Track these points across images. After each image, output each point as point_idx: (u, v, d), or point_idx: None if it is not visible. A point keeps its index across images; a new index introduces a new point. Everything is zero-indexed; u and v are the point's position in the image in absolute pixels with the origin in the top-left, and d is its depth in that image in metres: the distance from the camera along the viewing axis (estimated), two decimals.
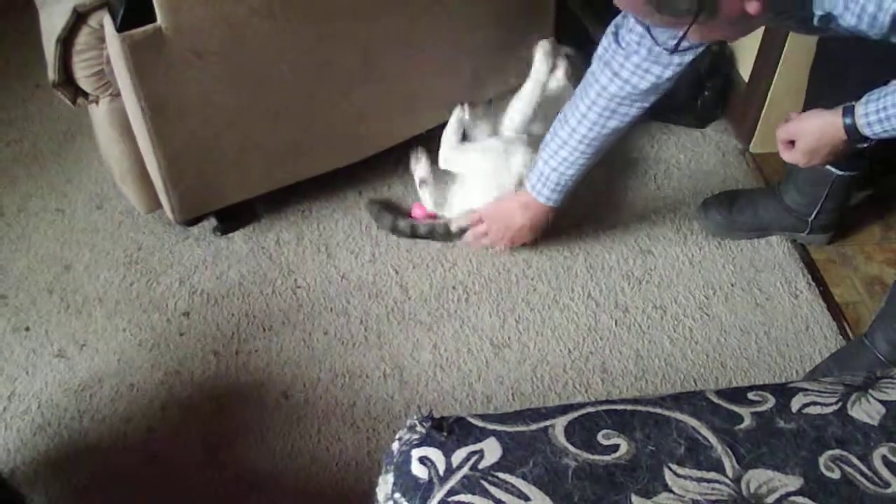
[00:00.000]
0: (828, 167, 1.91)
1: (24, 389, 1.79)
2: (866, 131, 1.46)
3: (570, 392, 1.81)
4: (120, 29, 1.62)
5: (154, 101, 1.73)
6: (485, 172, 2.02)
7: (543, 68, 2.05)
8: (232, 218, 2.08)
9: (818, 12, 1.29)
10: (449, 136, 2.08)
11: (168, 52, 1.67)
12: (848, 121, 1.47)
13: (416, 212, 2.15)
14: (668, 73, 1.65)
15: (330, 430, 1.74)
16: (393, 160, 2.18)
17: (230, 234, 2.08)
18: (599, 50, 1.73)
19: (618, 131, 1.80)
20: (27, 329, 1.90)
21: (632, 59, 1.66)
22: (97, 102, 1.85)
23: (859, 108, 1.45)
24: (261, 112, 1.87)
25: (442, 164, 2.09)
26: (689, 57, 1.62)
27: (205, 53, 1.71)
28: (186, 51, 1.69)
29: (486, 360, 1.86)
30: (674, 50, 1.38)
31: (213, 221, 2.08)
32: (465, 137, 2.11)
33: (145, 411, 1.77)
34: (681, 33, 1.28)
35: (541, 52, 2.04)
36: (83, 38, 1.73)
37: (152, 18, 1.63)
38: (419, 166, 2.14)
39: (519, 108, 2.08)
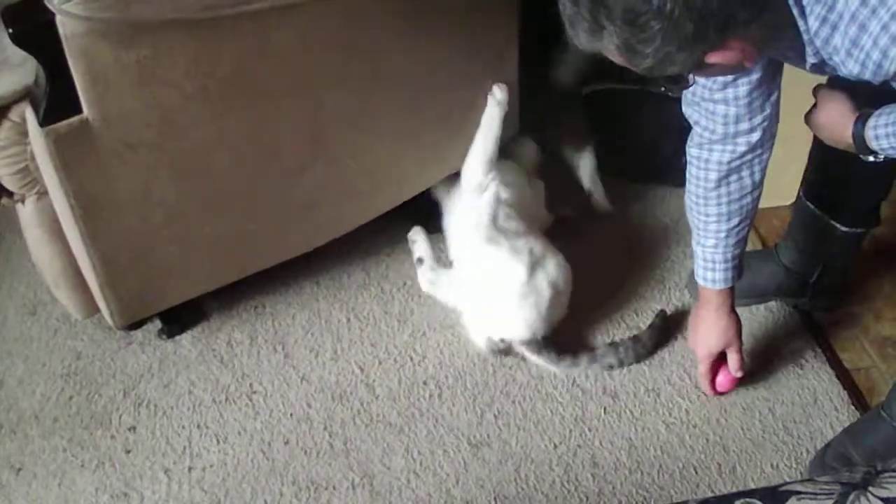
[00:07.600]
0: (832, 222, 1.84)
1: None
2: (873, 144, 1.42)
3: (558, 492, 1.69)
4: (43, 123, 1.55)
5: (84, 198, 1.65)
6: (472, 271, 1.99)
7: (493, 112, 2.01)
8: (178, 319, 1.99)
9: (811, 60, 1.26)
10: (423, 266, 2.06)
11: (97, 145, 1.59)
12: (858, 128, 1.43)
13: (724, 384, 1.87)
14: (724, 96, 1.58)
15: None
16: (349, 246, 2.10)
17: (177, 337, 1.98)
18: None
19: (737, 186, 1.69)
20: None
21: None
22: (23, 202, 1.77)
23: (871, 120, 1.41)
24: (203, 204, 1.79)
25: (426, 288, 2.04)
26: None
27: (137, 145, 1.63)
28: (117, 142, 1.61)
29: (464, 462, 1.75)
30: (688, 85, 1.41)
31: (157, 324, 1.97)
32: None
33: None
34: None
35: (492, 99, 2.01)
36: (4, 133, 1.67)
37: (78, 110, 1.55)
38: (416, 245, 2.09)
39: (470, 163, 2.05)
